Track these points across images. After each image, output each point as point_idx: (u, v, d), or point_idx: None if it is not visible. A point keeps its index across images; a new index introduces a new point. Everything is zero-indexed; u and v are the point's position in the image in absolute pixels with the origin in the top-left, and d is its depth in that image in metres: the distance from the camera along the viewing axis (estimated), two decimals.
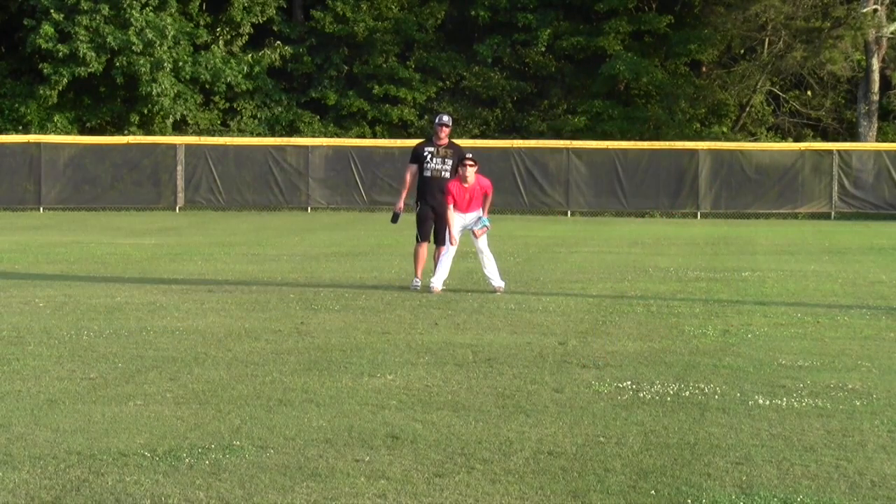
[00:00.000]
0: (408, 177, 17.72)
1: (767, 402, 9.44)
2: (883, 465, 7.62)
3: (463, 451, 7.87)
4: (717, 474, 7.38)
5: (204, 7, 49.49)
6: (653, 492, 7.01)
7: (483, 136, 47.55)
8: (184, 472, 7.29)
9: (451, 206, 16.86)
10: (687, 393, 9.82)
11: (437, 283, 16.82)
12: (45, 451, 7.76)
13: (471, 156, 17.22)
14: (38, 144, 41.74)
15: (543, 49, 49.81)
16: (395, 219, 18.20)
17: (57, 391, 9.69)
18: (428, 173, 17.42)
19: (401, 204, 17.99)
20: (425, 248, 17.46)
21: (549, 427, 8.56)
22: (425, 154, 17.48)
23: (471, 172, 16.93)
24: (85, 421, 8.62)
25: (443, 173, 17.39)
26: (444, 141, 17.51)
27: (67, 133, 45.75)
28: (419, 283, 17.25)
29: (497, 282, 16.92)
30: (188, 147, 42.43)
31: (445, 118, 17.67)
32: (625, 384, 10.13)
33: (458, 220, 16.96)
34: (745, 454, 7.85)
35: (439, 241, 17.28)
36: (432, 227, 17.38)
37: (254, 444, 7.98)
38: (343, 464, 7.53)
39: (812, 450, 7.98)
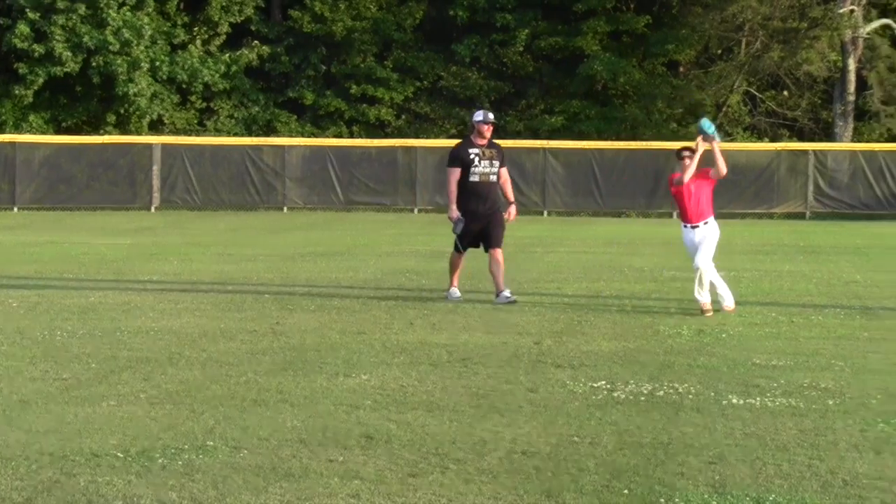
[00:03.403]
0: (453, 182, 15.82)
1: (741, 402, 9.46)
2: (855, 464, 7.64)
3: (437, 450, 7.87)
4: (690, 473, 7.39)
5: (181, 6, 49.35)
6: (626, 491, 7.02)
7: (460, 136, 47.41)
8: (157, 473, 7.27)
9: (686, 226, 15.09)
10: (661, 392, 9.83)
11: (730, 301, 14.90)
12: (17, 451, 7.72)
13: (688, 144, 15.29)
14: (12, 144, 41.58)
15: (521, 49, 49.84)
16: (456, 227, 15.87)
17: (30, 392, 9.65)
18: (475, 178, 15.82)
19: (455, 211, 15.81)
20: (463, 258, 16.11)
21: (524, 427, 8.56)
22: (471, 157, 15.86)
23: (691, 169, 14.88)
24: (57, 422, 8.58)
25: (491, 177, 15.92)
26: (486, 141, 16.06)
27: (43, 133, 45.59)
28: (458, 293, 15.93)
29: (729, 301, 14.96)
30: (164, 147, 42.33)
31: (490, 115, 16.22)
32: (599, 384, 10.14)
33: (692, 240, 15.03)
34: (718, 453, 7.86)
35: (494, 244, 15.84)
36: (472, 242, 16.01)
37: (227, 444, 7.96)
38: (317, 464, 7.51)
39: (785, 449, 8.00)
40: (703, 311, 14.69)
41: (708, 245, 14.98)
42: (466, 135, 16.38)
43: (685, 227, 15.19)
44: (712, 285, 14.88)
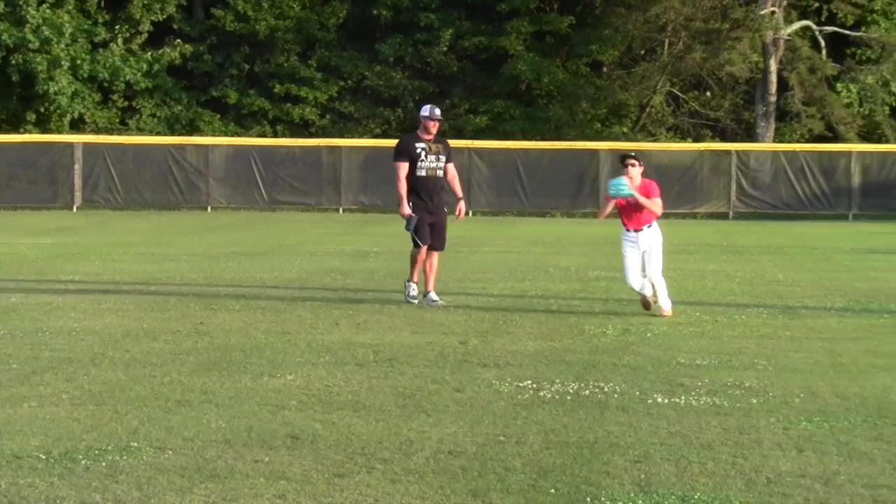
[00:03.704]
0: (402, 178, 15.53)
1: (666, 401, 9.51)
2: (778, 461, 7.70)
3: (363, 450, 7.84)
4: (616, 472, 7.41)
5: (102, 4, 48.93)
6: (552, 490, 7.02)
7: (385, 135, 47.50)
8: (80, 475, 7.18)
9: (630, 231, 14.88)
10: (587, 392, 9.86)
11: (666, 304, 14.75)
12: None
13: (634, 154, 15.24)
14: None
15: (445, 49, 49.91)
16: (409, 224, 15.56)
17: None
18: (422, 172, 15.57)
19: (407, 208, 15.55)
20: (424, 252, 15.69)
21: (450, 426, 8.55)
22: (418, 151, 15.61)
23: (636, 175, 14.81)
24: None
25: (437, 172, 15.66)
26: (432, 136, 15.77)
27: None
28: (414, 290, 15.73)
29: (666, 304, 14.77)
30: (86, 146, 41.95)
31: (437, 111, 15.92)
32: (525, 383, 10.15)
33: (632, 250, 14.85)
34: (643, 452, 7.89)
35: (436, 247, 15.74)
36: (429, 230, 15.64)
37: (151, 445, 7.89)
38: (242, 464, 7.46)
39: (709, 447, 8.05)
40: (663, 315, 14.59)
41: (656, 256, 14.88)
42: (406, 132, 16.12)
43: (627, 232, 14.97)
44: (654, 287, 14.82)
